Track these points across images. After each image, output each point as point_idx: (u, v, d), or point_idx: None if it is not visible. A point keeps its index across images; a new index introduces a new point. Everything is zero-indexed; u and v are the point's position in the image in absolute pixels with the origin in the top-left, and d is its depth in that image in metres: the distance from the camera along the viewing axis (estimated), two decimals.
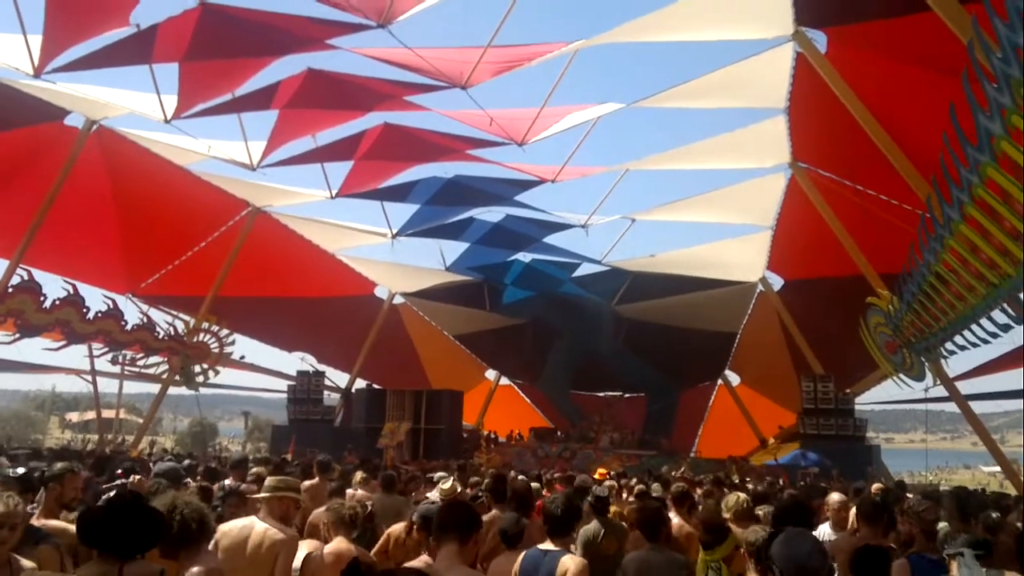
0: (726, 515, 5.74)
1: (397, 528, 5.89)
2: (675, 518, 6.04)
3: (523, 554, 4.23)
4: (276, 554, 4.43)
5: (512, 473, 11.29)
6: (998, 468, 21.55)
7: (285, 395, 26.38)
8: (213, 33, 13.41)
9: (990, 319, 10.62)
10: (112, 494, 3.87)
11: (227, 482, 8.11)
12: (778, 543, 2.68)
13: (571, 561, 4.08)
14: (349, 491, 7.84)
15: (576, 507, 4.74)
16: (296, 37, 13.94)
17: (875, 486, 11.47)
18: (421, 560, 3.73)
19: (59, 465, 5.21)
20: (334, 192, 19.68)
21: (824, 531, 6.06)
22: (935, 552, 4.49)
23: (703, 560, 4.66)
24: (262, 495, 4.80)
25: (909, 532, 4.82)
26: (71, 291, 18.13)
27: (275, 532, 4.50)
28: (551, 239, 22.69)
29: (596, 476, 11.10)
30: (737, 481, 14.33)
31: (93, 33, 13.25)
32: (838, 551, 4.92)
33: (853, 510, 6.78)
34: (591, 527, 5.82)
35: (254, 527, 4.52)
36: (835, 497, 6.47)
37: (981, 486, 21.20)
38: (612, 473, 12.09)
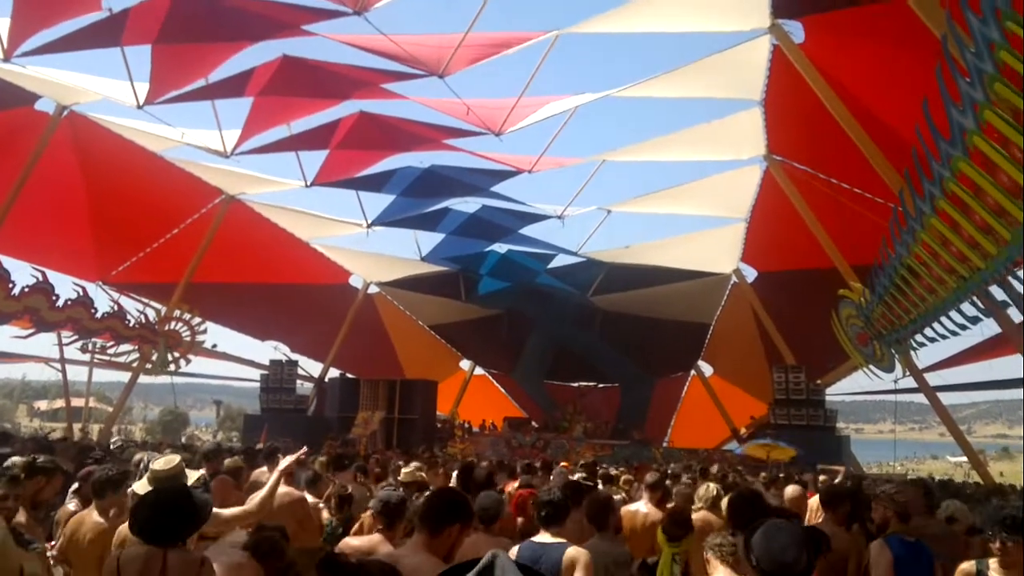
0: (698, 504, 5.78)
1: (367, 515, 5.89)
2: (645, 507, 5.96)
3: (517, 548, 3.98)
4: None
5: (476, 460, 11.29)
6: (964, 458, 21.92)
7: (258, 384, 26.27)
8: (186, 17, 13.22)
9: (959, 311, 10.81)
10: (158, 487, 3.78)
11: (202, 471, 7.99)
12: (758, 535, 2.69)
13: (577, 553, 3.85)
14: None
15: (569, 498, 4.59)
16: (271, 22, 13.76)
17: (822, 477, 11.65)
18: (367, 539, 3.80)
19: (43, 458, 4.82)
20: (309, 181, 19.51)
21: None
22: (910, 534, 4.61)
23: (669, 552, 4.64)
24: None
25: (884, 516, 4.91)
26: (40, 278, 17.85)
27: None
28: (527, 230, 22.69)
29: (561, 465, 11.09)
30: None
31: (63, 16, 13.02)
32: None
33: (813, 501, 6.93)
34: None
35: None
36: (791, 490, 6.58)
37: (948, 475, 21.53)
38: (582, 463, 12.08)
